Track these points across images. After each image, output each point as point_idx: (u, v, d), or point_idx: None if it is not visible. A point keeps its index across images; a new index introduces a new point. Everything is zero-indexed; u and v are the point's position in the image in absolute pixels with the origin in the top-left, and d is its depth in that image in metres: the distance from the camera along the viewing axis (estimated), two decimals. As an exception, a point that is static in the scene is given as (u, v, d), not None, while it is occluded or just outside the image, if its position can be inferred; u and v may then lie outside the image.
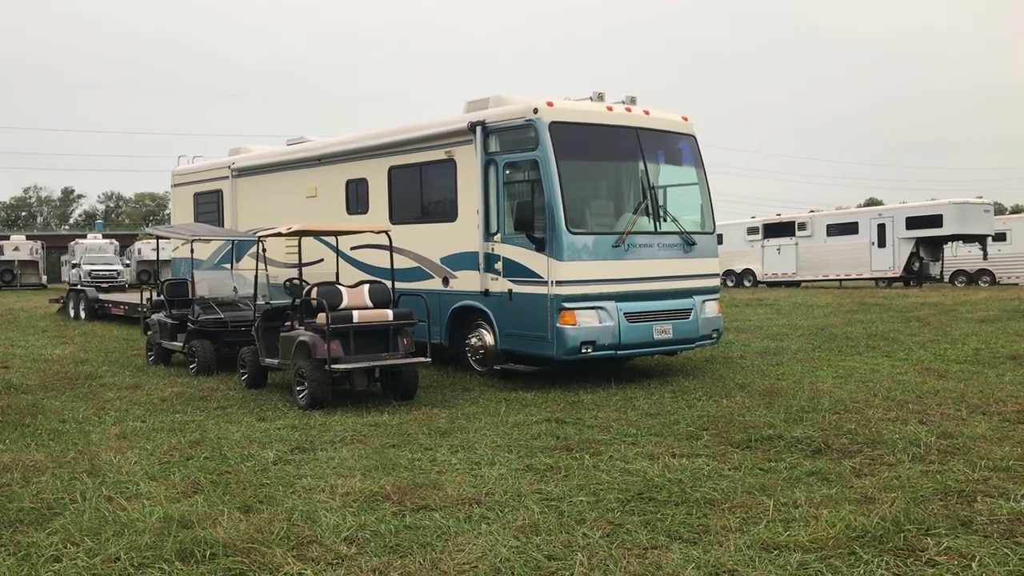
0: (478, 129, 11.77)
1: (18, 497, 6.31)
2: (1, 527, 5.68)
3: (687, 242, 12.00)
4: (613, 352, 11.27)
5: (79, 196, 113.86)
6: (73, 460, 7.51)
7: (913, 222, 33.59)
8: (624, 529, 5.53)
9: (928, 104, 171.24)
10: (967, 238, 34.11)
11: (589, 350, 10.97)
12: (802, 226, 37.09)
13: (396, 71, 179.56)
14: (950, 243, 35.11)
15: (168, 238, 16.95)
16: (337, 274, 12.66)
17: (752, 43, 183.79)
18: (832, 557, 4.96)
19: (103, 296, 24.51)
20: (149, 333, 14.63)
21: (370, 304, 10.66)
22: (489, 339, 11.86)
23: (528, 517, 5.73)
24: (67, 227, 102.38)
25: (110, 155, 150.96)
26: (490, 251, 11.72)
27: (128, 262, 48.58)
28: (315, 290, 10.61)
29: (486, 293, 11.76)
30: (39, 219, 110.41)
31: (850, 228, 35.48)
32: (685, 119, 12.68)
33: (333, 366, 9.90)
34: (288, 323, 10.92)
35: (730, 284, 38.39)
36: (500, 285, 11.58)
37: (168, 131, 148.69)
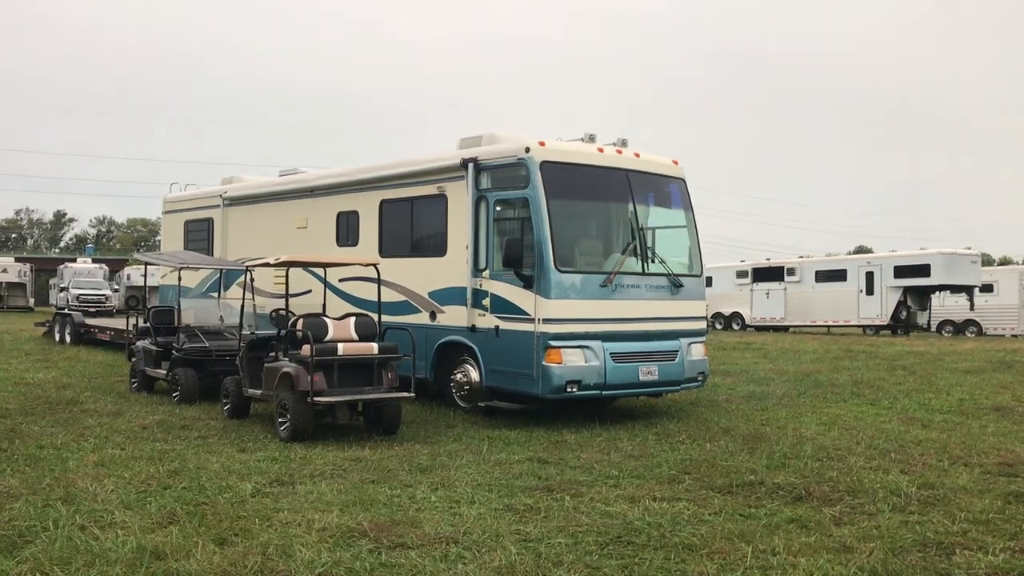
0: (470, 166, 11.84)
1: (-10, 523, 6.24)
2: (-30, 554, 5.60)
3: (674, 284, 12.04)
4: (598, 392, 11.25)
5: (71, 220, 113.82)
6: (48, 487, 7.43)
7: (901, 271, 33.80)
8: (601, 572, 5.49)
9: (919, 152, 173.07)
10: (954, 288, 34.31)
11: (574, 389, 10.95)
12: (791, 271, 37.28)
13: (392, 106, 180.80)
14: (938, 293, 35.32)
15: (157, 264, 16.92)
16: (324, 306, 12.64)
17: (748, 88, 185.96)
18: (809, 607, 4.93)
19: (89, 321, 24.39)
20: (133, 360, 14.55)
21: (355, 337, 10.63)
22: (474, 375, 11.83)
23: (505, 558, 5.69)
24: (58, 250, 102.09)
25: (103, 180, 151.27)
26: (478, 287, 11.73)
27: (117, 287, 48.41)
28: (301, 321, 10.59)
29: (473, 329, 11.76)
30: (29, 241, 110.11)
31: (838, 275, 35.68)
32: (675, 163, 12.79)
33: (316, 398, 9.85)
34: (272, 354, 10.88)
35: (718, 327, 38.45)
36: (487, 321, 11.58)
37: (160, 157, 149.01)
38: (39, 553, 5.58)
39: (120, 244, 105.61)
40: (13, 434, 9.94)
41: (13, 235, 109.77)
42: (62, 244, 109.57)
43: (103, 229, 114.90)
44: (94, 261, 53.36)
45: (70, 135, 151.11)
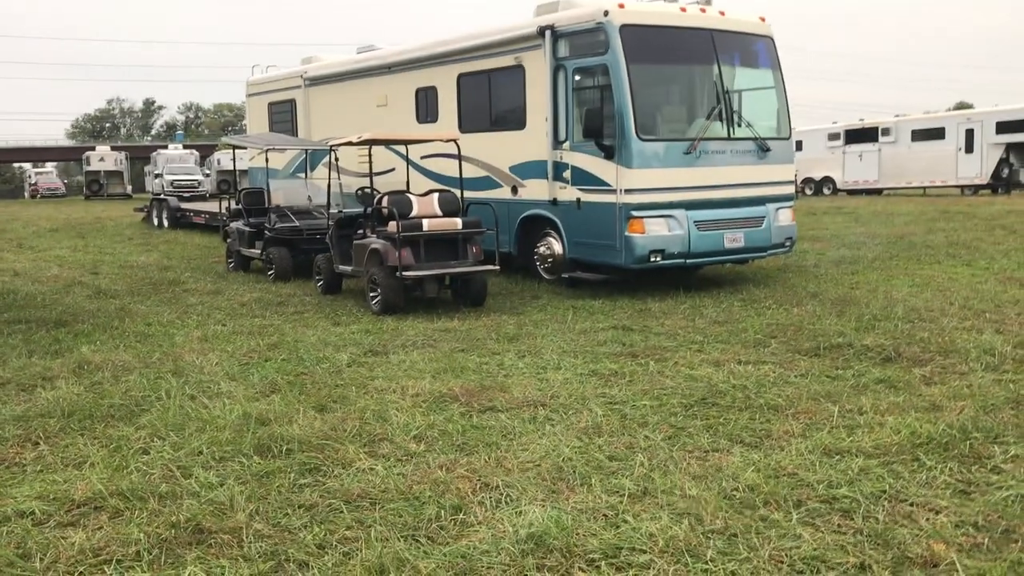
0: (547, 33, 11.56)
1: (109, 394, 6.70)
2: (95, 421, 6.05)
3: (761, 148, 11.72)
4: (683, 261, 11.19)
5: (160, 107, 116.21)
6: (159, 361, 7.89)
7: (1004, 127, 32.04)
8: (686, 432, 5.61)
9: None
10: (1063, 142, 32.45)
11: (658, 259, 10.92)
12: (885, 131, 35.71)
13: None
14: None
15: (244, 147, 17.26)
16: (408, 183, 12.76)
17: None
18: (894, 463, 4.97)
19: (184, 205, 25.20)
20: (228, 241, 15.06)
21: (439, 212, 10.77)
22: (557, 248, 11.88)
23: (591, 419, 5.86)
24: (149, 138, 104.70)
25: (189, 66, 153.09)
26: (559, 159, 11.64)
27: (208, 172, 49.59)
28: (386, 199, 10.76)
29: (554, 202, 11.74)
30: (122, 130, 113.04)
31: (936, 133, 34.05)
32: (762, 20, 12.24)
33: (404, 273, 10.10)
34: (361, 231, 11.11)
35: (808, 192, 37.42)
36: (568, 194, 11.54)
37: (244, 41, 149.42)
38: (155, 420, 5.99)
39: (208, 129, 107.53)
40: (123, 313, 10.52)
41: (107, 124, 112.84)
42: (153, 132, 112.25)
43: (191, 115, 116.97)
44: (184, 147, 54.61)
45: (154, 23, 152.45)
